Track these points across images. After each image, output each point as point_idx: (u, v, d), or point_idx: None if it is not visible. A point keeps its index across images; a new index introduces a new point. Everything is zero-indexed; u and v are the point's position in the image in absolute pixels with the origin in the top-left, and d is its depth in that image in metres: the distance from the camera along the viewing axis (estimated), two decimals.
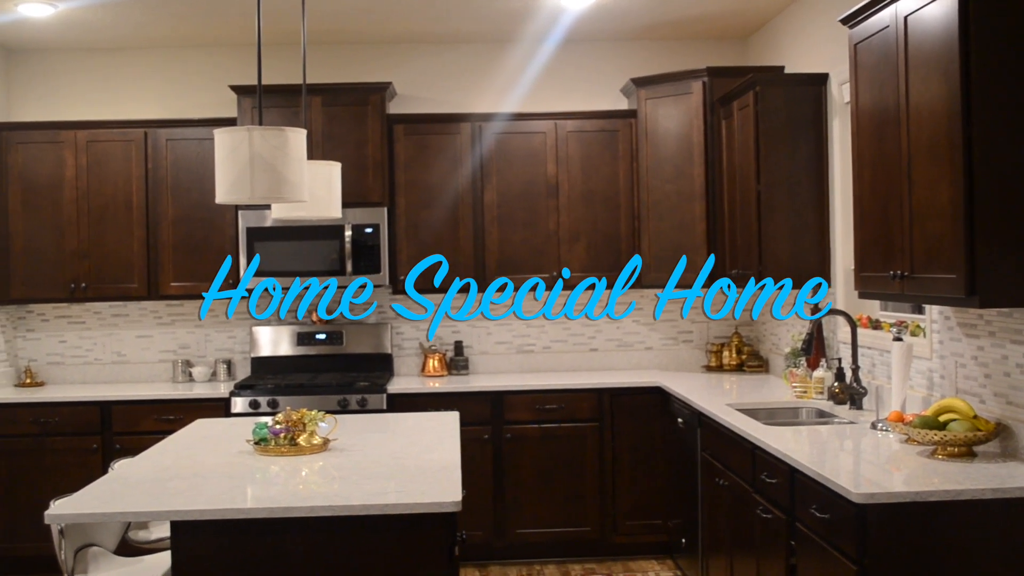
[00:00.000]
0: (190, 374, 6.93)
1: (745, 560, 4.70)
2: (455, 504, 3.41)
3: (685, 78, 6.54)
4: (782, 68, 6.35)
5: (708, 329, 7.19)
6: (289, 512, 3.38)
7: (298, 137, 3.74)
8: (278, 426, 4.29)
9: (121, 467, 4.19)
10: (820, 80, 5.78)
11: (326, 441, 4.34)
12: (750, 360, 6.85)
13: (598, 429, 6.47)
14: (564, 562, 6.46)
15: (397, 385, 6.52)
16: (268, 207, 6.45)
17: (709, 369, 6.99)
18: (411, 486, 3.65)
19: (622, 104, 7.12)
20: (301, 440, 4.27)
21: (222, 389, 6.54)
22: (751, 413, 5.17)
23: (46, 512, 3.62)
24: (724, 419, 4.92)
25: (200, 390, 6.56)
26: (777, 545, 4.18)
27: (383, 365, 6.95)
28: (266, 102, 6.55)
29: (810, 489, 3.79)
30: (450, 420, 5.09)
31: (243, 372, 7.06)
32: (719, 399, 5.57)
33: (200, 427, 5.11)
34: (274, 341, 6.94)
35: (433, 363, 6.92)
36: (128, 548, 4.36)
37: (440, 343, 7.12)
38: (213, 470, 4.03)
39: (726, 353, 6.93)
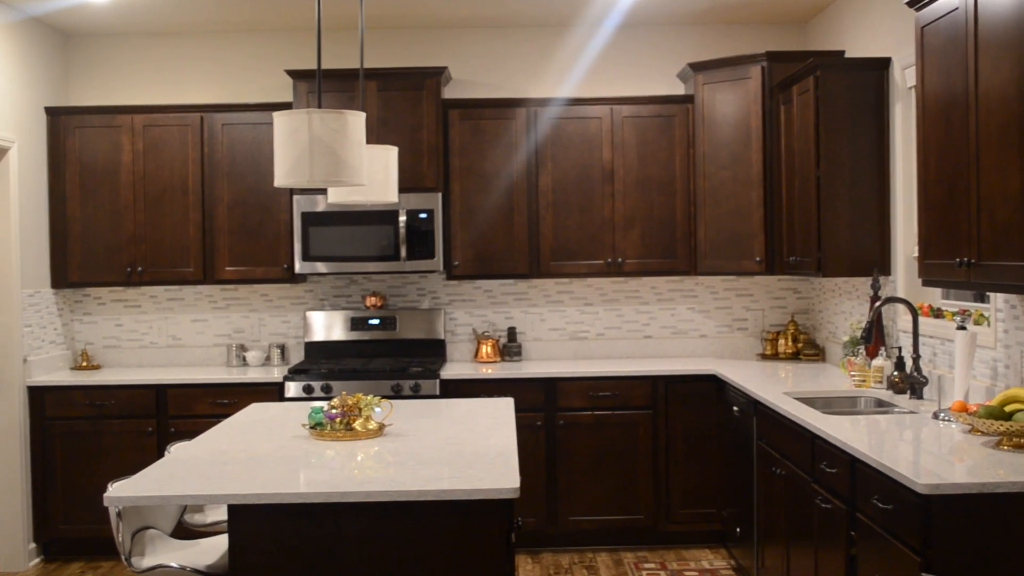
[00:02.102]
0: (244, 358, 6.96)
1: (802, 550, 4.63)
2: (513, 491, 3.39)
3: (743, 63, 6.46)
4: (842, 53, 6.24)
5: (763, 317, 7.11)
6: (346, 497, 3.37)
7: (357, 120, 3.72)
8: (334, 411, 4.29)
9: (178, 450, 4.20)
10: (882, 65, 5.67)
11: (381, 426, 4.33)
12: (806, 348, 6.77)
13: (651, 417, 6.42)
14: (617, 550, 6.43)
15: (450, 371, 6.50)
16: (323, 192, 6.45)
17: (764, 357, 6.91)
18: (468, 472, 3.63)
19: (678, 89, 7.04)
20: (356, 425, 4.26)
21: (276, 373, 6.56)
22: (808, 402, 5.09)
23: (105, 495, 3.63)
24: (782, 408, 4.86)
25: (254, 374, 6.59)
26: (837, 535, 4.12)
27: (436, 351, 6.94)
28: (322, 87, 6.54)
29: (872, 479, 3.72)
30: (505, 406, 5.06)
31: (297, 357, 7.09)
32: (776, 387, 5.50)
33: (255, 411, 5.12)
34: (327, 326, 6.95)
35: (486, 349, 6.90)
36: (183, 531, 4.37)
37: (493, 329, 7.10)
38: (269, 454, 4.04)
39: (782, 341, 6.85)
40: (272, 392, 6.37)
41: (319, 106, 3.90)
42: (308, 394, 6.29)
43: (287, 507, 3.44)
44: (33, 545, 6.42)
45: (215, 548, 4.13)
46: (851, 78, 5.69)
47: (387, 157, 4.73)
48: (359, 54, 6.35)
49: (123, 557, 3.93)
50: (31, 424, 6.42)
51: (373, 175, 4.59)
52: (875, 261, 5.65)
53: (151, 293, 7.14)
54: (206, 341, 7.14)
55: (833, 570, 4.17)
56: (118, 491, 3.51)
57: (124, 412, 6.42)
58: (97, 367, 6.99)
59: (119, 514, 3.88)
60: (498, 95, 7.00)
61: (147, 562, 3.94)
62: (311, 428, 4.32)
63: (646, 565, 6.15)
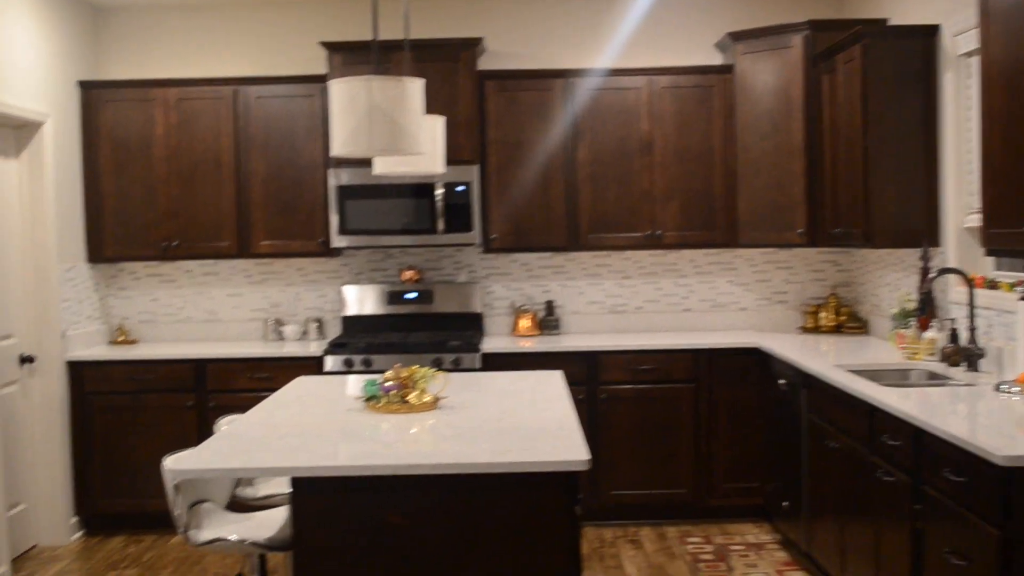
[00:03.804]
0: (281, 333, 6.92)
1: (859, 524, 4.58)
2: (584, 463, 3.34)
3: (785, 32, 6.37)
4: (885, 21, 6.14)
5: (803, 289, 7.04)
6: (414, 470, 3.33)
7: (416, 88, 3.66)
8: (388, 383, 4.24)
9: (232, 424, 4.16)
10: (930, 32, 5.57)
11: (436, 399, 4.28)
12: (849, 321, 6.70)
13: (694, 390, 6.37)
14: (659, 524, 6.39)
15: (489, 345, 6.45)
16: (360, 164, 6.39)
17: (805, 330, 6.84)
18: (532, 445, 3.59)
19: (716, 59, 6.95)
20: (411, 398, 4.22)
21: (313, 348, 6.52)
22: (858, 375, 5.03)
23: (166, 467, 3.60)
24: (837, 380, 4.80)
25: (291, 348, 6.55)
26: (900, 508, 4.06)
27: (474, 324, 6.89)
28: (355, 58, 6.48)
29: (941, 452, 3.67)
30: (555, 379, 5.01)
31: (333, 331, 7.04)
32: (824, 360, 5.44)
33: (301, 384, 5.08)
34: (364, 300, 6.91)
35: (525, 323, 6.85)
36: (234, 504, 4.34)
37: (531, 303, 7.04)
38: (326, 427, 4.00)
39: (823, 314, 6.78)
40: (311, 366, 6.33)
41: (376, 73, 3.82)
42: (348, 368, 6.25)
43: (351, 480, 3.39)
44: (75, 519, 6.41)
45: (272, 521, 4.09)
46: (898, 46, 5.59)
47: (434, 127, 4.67)
48: (395, 25, 6.31)
49: (179, 530, 3.91)
50: (71, 399, 6.39)
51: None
52: (924, 232, 5.57)
53: (186, 268, 7.09)
54: (242, 315, 7.10)
55: (896, 542, 4.12)
56: (180, 463, 3.46)
57: (163, 387, 6.39)
58: (134, 342, 6.96)
59: (177, 487, 3.86)
60: (534, 66, 6.91)
61: (205, 535, 3.91)
62: (366, 400, 4.28)
63: (691, 539, 6.11)
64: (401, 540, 3.40)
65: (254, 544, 3.85)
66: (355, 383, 5.09)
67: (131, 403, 6.40)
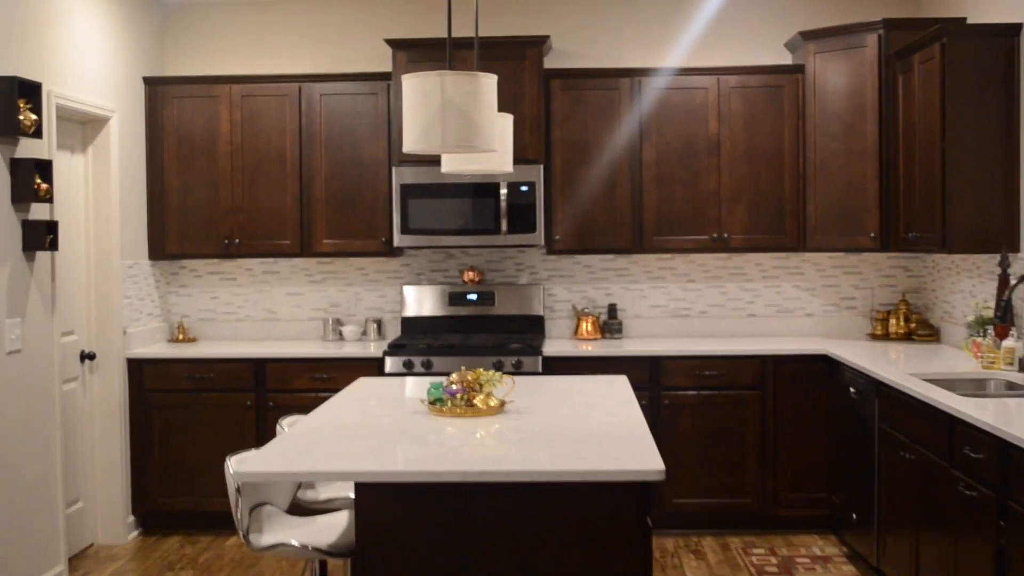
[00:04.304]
0: (340, 333, 6.86)
1: (937, 539, 4.43)
2: (658, 472, 3.23)
3: (858, 31, 6.21)
4: (963, 20, 5.97)
5: (872, 295, 6.87)
6: (484, 476, 3.23)
7: (490, 83, 3.57)
8: (454, 386, 4.16)
9: (296, 425, 4.09)
10: (1012, 31, 5.40)
11: (502, 403, 4.19)
12: (920, 329, 6.52)
13: (759, 397, 6.22)
14: (722, 534, 6.25)
15: (551, 348, 6.35)
16: (425, 163, 6.32)
17: (874, 337, 6.67)
18: (604, 452, 3.49)
19: (784, 59, 6.80)
20: (477, 401, 4.13)
21: (372, 348, 6.46)
22: (933, 384, 4.87)
23: (233, 470, 3.53)
24: (912, 389, 4.64)
25: (351, 349, 6.49)
26: (983, 525, 3.91)
27: (535, 327, 6.79)
28: (420, 55, 6.41)
29: None
30: (621, 384, 4.91)
31: (393, 331, 6.98)
32: (898, 368, 5.29)
33: (363, 386, 5.01)
34: (424, 300, 6.83)
35: (586, 326, 6.74)
36: (295, 507, 4.28)
37: (593, 306, 6.93)
38: (392, 430, 3.92)
39: (893, 321, 6.61)
40: (371, 367, 6.26)
41: (450, 68, 3.74)
42: (408, 369, 6.18)
43: (417, 486, 3.31)
44: (131, 518, 6.39)
45: (333, 526, 4.02)
46: (979, 46, 5.42)
47: (503, 125, 4.58)
48: (461, 22, 6.22)
49: (241, 533, 3.84)
50: (130, 397, 6.38)
51: None
52: (1003, 237, 5.39)
53: (247, 266, 7.06)
54: (302, 315, 7.05)
55: (977, 560, 3.97)
56: (244, 465, 3.39)
57: (223, 386, 6.36)
58: (193, 340, 6.94)
59: (238, 489, 3.79)
60: (601, 65, 6.80)
61: (266, 539, 3.84)
62: (430, 404, 4.19)
63: (755, 551, 5.97)
64: (467, 548, 3.31)
65: (316, 550, 3.76)
66: (417, 385, 5.02)
67: (190, 402, 6.38)
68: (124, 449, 6.33)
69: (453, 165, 4.57)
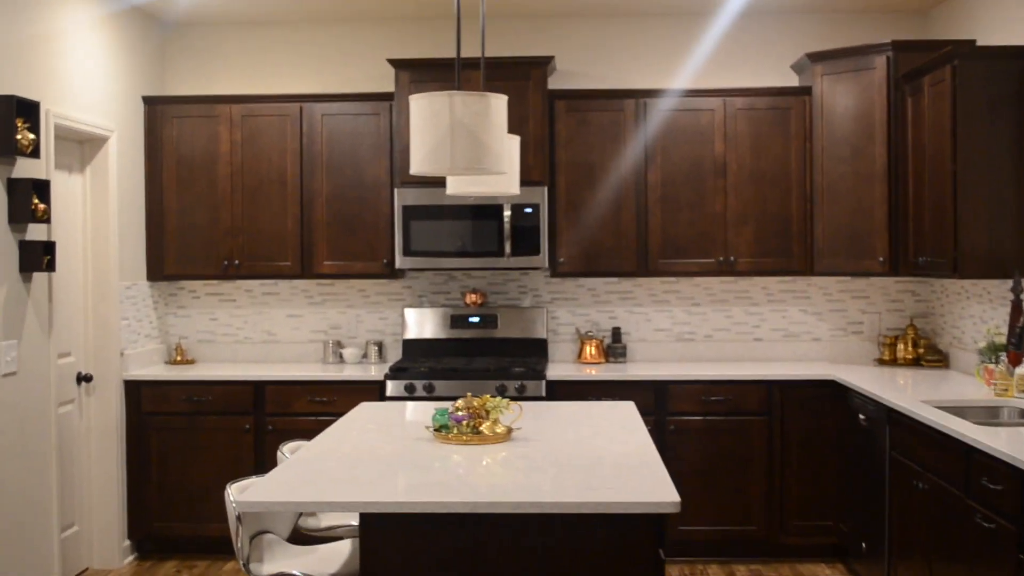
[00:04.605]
0: (341, 355, 6.77)
1: (951, 570, 4.33)
2: (674, 505, 3.15)
3: (867, 53, 6.15)
4: (973, 42, 5.91)
5: (880, 320, 6.78)
6: (494, 508, 3.14)
7: (500, 104, 3.50)
8: (460, 413, 4.07)
9: (299, 453, 3.99)
10: (1023, 54, 5.34)
11: (509, 430, 4.10)
12: (928, 354, 6.43)
13: (766, 423, 6.13)
14: (728, 562, 6.15)
15: (554, 372, 6.26)
16: (425, 184, 6.25)
17: (882, 362, 6.58)
18: (617, 482, 3.39)
19: (791, 80, 6.74)
20: (484, 428, 4.04)
21: (373, 371, 6.37)
22: (945, 411, 4.78)
23: (234, 498, 3.44)
24: (926, 417, 4.55)
25: (351, 372, 6.39)
26: (1002, 558, 3.81)
27: (538, 350, 6.70)
28: (423, 76, 6.35)
29: None
30: (628, 409, 4.83)
31: (394, 354, 6.88)
32: (908, 395, 5.20)
33: (365, 411, 4.92)
34: (426, 323, 6.74)
35: (590, 349, 6.65)
36: (296, 535, 4.18)
37: (596, 329, 6.84)
38: (397, 458, 3.82)
39: (901, 346, 6.52)
40: (372, 391, 6.17)
41: (459, 87, 3.66)
42: (410, 393, 6.09)
43: (424, 516, 3.21)
44: (127, 542, 6.28)
45: (336, 555, 3.92)
46: (991, 68, 5.34)
47: (511, 146, 4.50)
48: (465, 42, 6.15)
49: (241, 563, 3.74)
50: (127, 419, 6.27)
51: None
52: (1016, 262, 5.30)
53: (246, 287, 6.97)
54: (301, 337, 6.96)
55: None
56: (247, 494, 3.29)
57: (221, 408, 6.25)
58: (191, 362, 6.84)
59: (239, 518, 3.69)
60: (605, 86, 6.73)
61: (267, 569, 3.74)
62: (435, 430, 4.10)
63: None
64: None
65: None
66: (420, 410, 4.93)
67: (188, 424, 6.27)
68: (120, 472, 6.22)
69: (459, 187, 4.49)
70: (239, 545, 3.71)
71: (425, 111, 3.44)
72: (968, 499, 4.12)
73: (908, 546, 4.90)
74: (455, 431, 4.04)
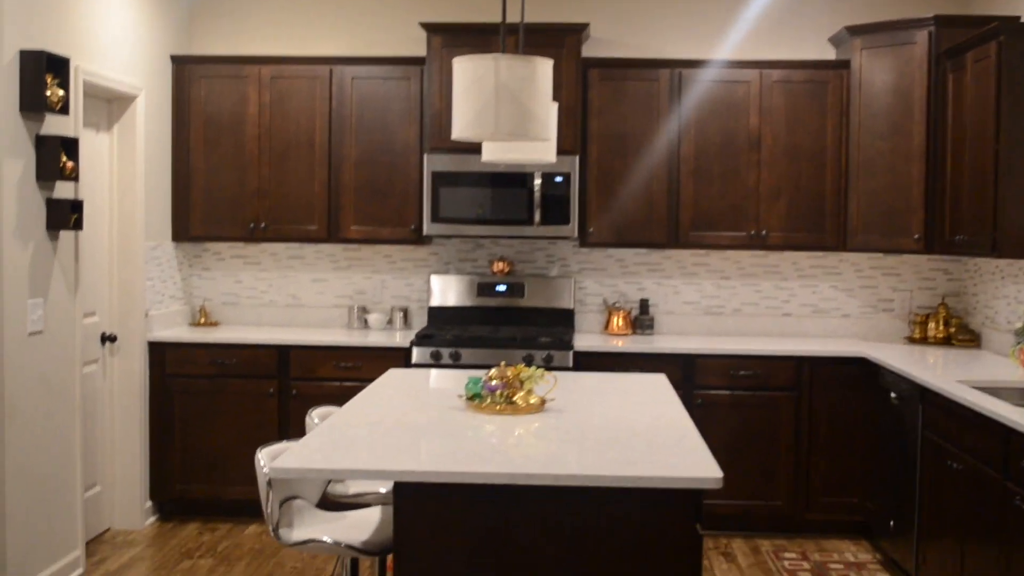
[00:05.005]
0: (366, 321, 6.72)
1: (985, 551, 4.27)
2: (717, 481, 3.10)
3: (908, 27, 6.04)
4: (1017, 19, 5.79)
5: (911, 298, 6.70)
6: (533, 480, 3.08)
7: (546, 68, 3.42)
8: (494, 382, 4.01)
9: (332, 419, 3.94)
10: None
11: (543, 401, 4.04)
12: (959, 333, 6.36)
13: (794, 399, 6.07)
14: (752, 536, 6.11)
15: (581, 342, 6.20)
16: (456, 150, 6.19)
17: (912, 341, 6.51)
18: (656, 457, 3.34)
19: (827, 54, 6.63)
20: (517, 399, 3.99)
21: (398, 338, 6.32)
22: (982, 392, 4.70)
23: (265, 463, 3.39)
24: (964, 397, 4.48)
25: (375, 338, 6.34)
26: None
27: (565, 321, 6.64)
28: (456, 40, 6.26)
29: None
30: (660, 382, 4.78)
31: (419, 321, 6.83)
32: (943, 374, 5.13)
33: (394, 378, 4.87)
34: (452, 290, 6.68)
35: (617, 321, 6.59)
36: (323, 501, 4.14)
37: (624, 300, 6.78)
38: (430, 427, 3.78)
39: (932, 324, 6.45)
40: (398, 357, 6.12)
41: (505, 51, 3.58)
42: (436, 361, 6.04)
43: (461, 487, 3.16)
44: (149, 504, 6.27)
45: (366, 522, 3.88)
46: None
47: (549, 113, 4.42)
48: (496, 8, 6.05)
49: (270, 528, 3.69)
50: (151, 381, 6.24)
51: None
52: None
53: (271, 250, 6.92)
54: (326, 302, 6.91)
55: None
56: (282, 460, 3.24)
57: (245, 372, 6.22)
58: (215, 324, 6.80)
59: (270, 483, 3.65)
60: (640, 55, 6.62)
61: (297, 535, 3.70)
62: (468, 399, 4.05)
63: (786, 555, 5.83)
64: (510, 551, 3.17)
65: (349, 547, 3.63)
66: (450, 378, 4.89)
67: (211, 387, 6.24)
68: (143, 434, 6.19)
69: (495, 154, 4.42)
70: (268, 511, 3.67)
71: (469, 74, 3.37)
72: (1006, 481, 4.06)
73: (939, 526, 4.85)
74: (488, 400, 3.99)
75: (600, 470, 3.13)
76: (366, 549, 3.64)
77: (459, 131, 3.43)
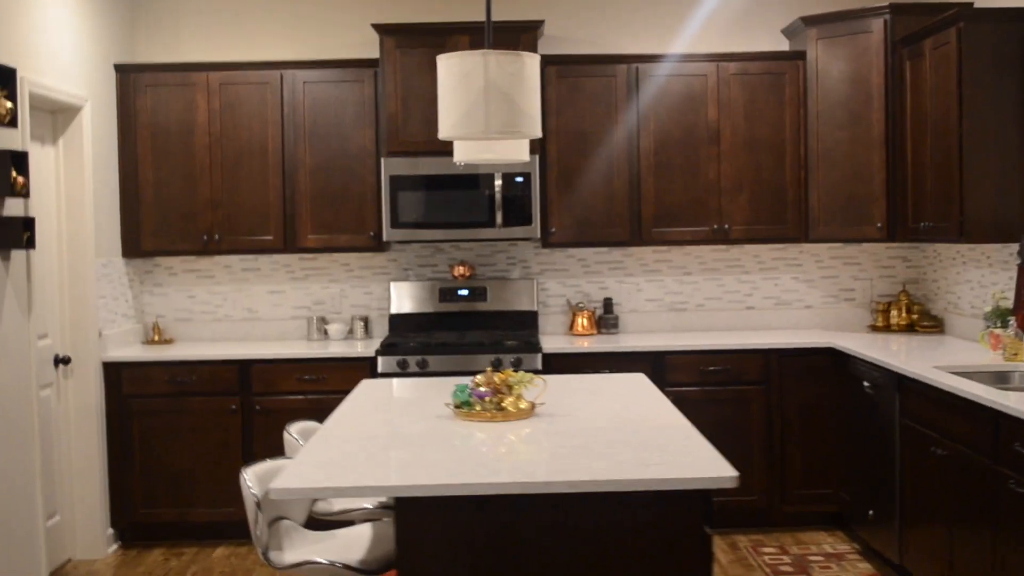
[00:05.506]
0: (325, 331, 6.57)
1: (976, 535, 4.26)
2: (733, 479, 3.03)
3: (863, 16, 6.05)
4: (971, 4, 5.82)
5: (872, 287, 6.72)
6: (549, 488, 2.98)
7: (534, 64, 3.33)
8: (482, 388, 3.91)
9: (319, 434, 3.80)
10: None
11: (532, 405, 3.95)
12: (922, 320, 6.39)
13: (764, 392, 6.05)
14: (729, 533, 6.07)
15: (549, 344, 6.12)
16: (413, 153, 6.10)
17: (875, 329, 6.53)
18: (665, 457, 3.27)
19: (781, 45, 6.62)
20: (507, 404, 3.89)
21: (360, 348, 6.18)
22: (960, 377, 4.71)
23: (272, 487, 3.23)
24: (946, 383, 4.48)
25: (338, 348, 6.20)
26: None
27: (529, 323, 6.55)
28: (409, 41, 6.15)
29: None
30: (642, 382, 4.72)
31: (380, 329, 6.70)
32: (917, 361, 5.13)
33: (370, 389, 4.75)
34: (413, 297, 6.56)
35: (582, 321, 6.52)
36: (307, 520, 4.00)
37: (587, 300, 6.71)
38: (424, 438, 3.65)
39: (894, 312, 6.47)
40: (362, 367, 5.98)
41: (489, 46, 3.48)
42: (403, 369, 5.92)
43: (466, 499, 3.05)
44: (111, 531, 6.05)
45: (358, 540, 3.77)
46: (997, 30, 5.26)
47: None
48: (447, 8, 6.01)
49: (260, 551, 3.55)
50: (107, 403, 6.03)
51: None
52: (1023, 226, 5.25)
53: (225, 263, 6.73)
54: (284, 314, 6.74)
55: None
56: (284, 481, 3.08)
57: (206, 389, 6.03)
58: (170, 341, 6.60)
59: (259, 504, 3.51)
60: (596, 51, 6.56)
61: (289, 557, 3.57)
62: (456, 407, 3.94)
63: (765, 549, 5.80)
64: (516, 560, 3.07)
65: (346, 567, 3.50)
66: (425, 387, 4.77)
67: (171, 407, 6.04)
68: (102, 458, 5.98)
69: (468, 154, 4.31)
70: (258, 533, 3.53)
71: (455, 72, 3.27)
72: (997, 465, 4.05)
73: (922, 512, 4.84)
74: (478, 407, 3.88)
75: (615, 474, 3.05)
76: (364, 568, 3.51)
77: (447, 131, 3.33)
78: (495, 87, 3.23)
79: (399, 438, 3.68)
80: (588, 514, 3.08)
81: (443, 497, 3.04)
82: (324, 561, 3.51)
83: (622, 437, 3.56)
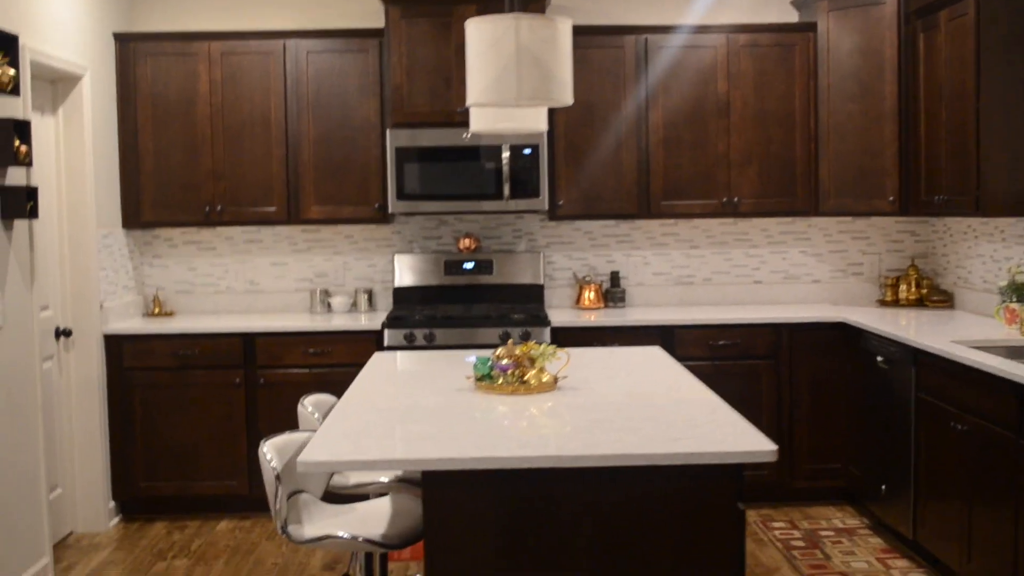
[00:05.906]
0: (329, 304, 6.49)
1: (997, 510, 4.23)
2: (772, 453, 2.96)
3: None
4: None
5: (880, 261, 6.68)
6: (579, 462, 2.92)
7: (567, 29, 3.25)
8: (504, 361, 3.84)
9: (339, 407, 3.73)
10: None
11: (555, 379, 3.88)
12: (932, 294, 6.35)
13: (774, 366, 6.01)
14: None
15: (557, 318, 6.05)
16: (419, 124, 6.02)
17: (884, 303, 6.48)
18: (696, 431, 3.20)
19: (790, 16, 6.55)
20: (529, 377, 3.82)
21: (365, 321, 6.11)
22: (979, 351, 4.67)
23: (301, 459, 3.16)
24: (968, 358, 4.43)
25: (342, 321, 6.12)
26: None
27: (535, 296, 6.48)
28: (415, 11, 6.05)
29: None
30: (659, 355, 4.66)
31: (384, 302, 6.62)
32: (934, 336, 5.08)
33: (385, 362, 4.68)
34: (418, 270, 6.48)
35: (589, 295, 6.46)
36: (326, 494, 3.94)
37: (594, 274, 6.64)
38: (446, 411, 3.58)
39: (903, 287, 6.42)
40: (368, 341, 5.91)
41: (517, 10, 3.39)
42: (410, 343, 5.84)
43: (495, 472, 2.99)
44: (112, 504, 5.98)
45: (378, 514, 3.69)
46: (1013, 1, 5.20)
47: None
48: None
49: (278, 526, 3.49)
50: (108, 375, 5.94)
51: None
52: None
53: (226, 234, 6.63)
54: (286, 286, 6.65)
55: None
56: (312, 454, 3.01)
57: (209, 362, 5.95)
58: (171, 314, 6.50)
59: (278, 477, 3.44)
60: (604, 22, 6.47)
61: (309, 531, 3.50)
62: (477, 380, 3.88)
63: (775, 524, 5.76)
64: (544, 534, 3.01)
65: (368, 541, 3.43)
66: (440, 360, 4.70)
67: (173, 380, 5.96)
68: (103, 431, 5.90)
69: (485, 123, 4.23)
70: (277, 507, 3.46)
71: (486, 36, 3.18)
72: (1022, 439, 4.01)
73: (939, 488, 4.81)
74: (500, 381, 3.82)
75: (647, 448, 2.98)
76: (386, 543, 3.45)
77: (476, 96, 3.25)
78: (527, 52, 3.15)
79: (421, 411, 3.61)
80: (618, 489, 3.02)
81: (472, 471, 2.98)
82: (346, 535, 3.44)
83: (647, 411, 3.49)
